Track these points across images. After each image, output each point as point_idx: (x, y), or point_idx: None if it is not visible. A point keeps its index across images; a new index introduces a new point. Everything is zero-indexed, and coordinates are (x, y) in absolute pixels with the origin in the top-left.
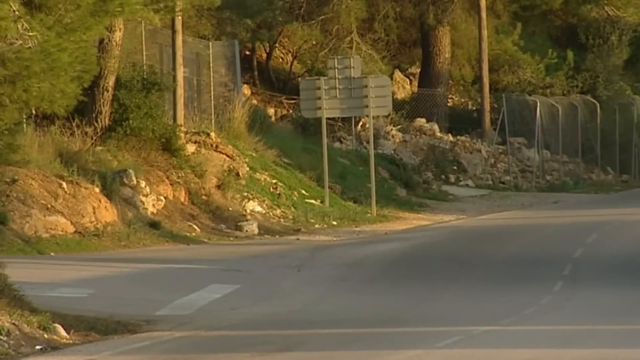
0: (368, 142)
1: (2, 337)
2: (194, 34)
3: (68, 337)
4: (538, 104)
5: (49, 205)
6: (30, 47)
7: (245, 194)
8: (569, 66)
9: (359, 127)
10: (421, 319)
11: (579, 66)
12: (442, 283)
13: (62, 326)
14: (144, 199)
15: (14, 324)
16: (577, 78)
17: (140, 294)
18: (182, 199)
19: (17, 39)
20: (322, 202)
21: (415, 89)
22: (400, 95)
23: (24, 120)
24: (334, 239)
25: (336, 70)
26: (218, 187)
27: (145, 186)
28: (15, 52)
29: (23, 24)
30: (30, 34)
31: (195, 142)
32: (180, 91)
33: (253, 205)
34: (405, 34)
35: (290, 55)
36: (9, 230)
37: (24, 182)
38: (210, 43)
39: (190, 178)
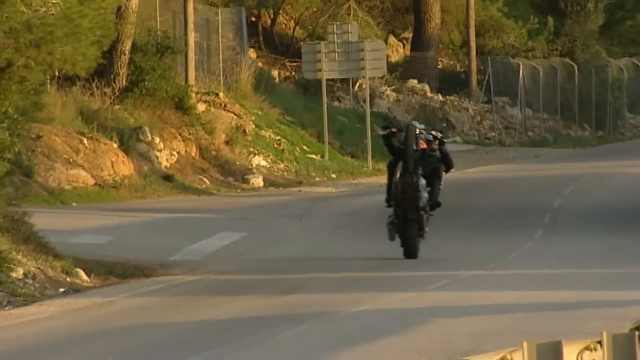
0: (364, 101)
1: (28, 281)
2: (204, 2)
3: (89, 280)
4: (521, 66)
5: (71, 160)
6: (53, 14)
7: (252, 149)
8: (549, 31)
9: (356, 87)
10: (412, 264)
11: (558, 31)
12: (431, 231)
13: (83, 270)
14: (158, 153)
15: (39, 268)
16: (556, 42)
17: (155, 240)
18: (193, 154)
19: (41, 6)
20: (322, 156)
21: (408, 52)
22: (394, 58)
23: (48, 81)
24: (333, 190)
25: (335, 35)
26: (226, 143)
27: (160, 142)
28: (40, 18)
29: None
30: (54, 1)
31: (205, 101)
32: (191, 54)
33: (258, 160)
34: (398, 1)
35: (292, 21)
36: (35, 182)
37: (48, 138)
38: (219, 10)
39: (201, 135)
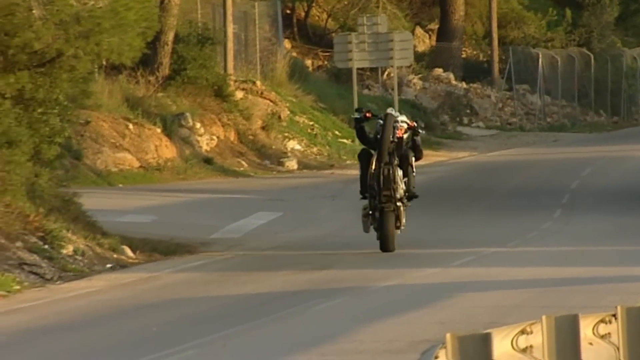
0: (393, 89)
1: (78, 257)
2: None
3: (134, 257)
4: (540, 56)
5: (118, 144)
6: (101, 7)
7: (286, 134)
8: (567, 22)
9: (385, 76)
10: (438, 242)
11: (576, 23)
12: (456, 211)
13: (129, 248)
14: (199, 138)
15: (87, 245)
16: (574, 33)
17: (196, 219)
18: (232, 139)
19: (90, 0)
20: (352, 141)
21: (434, 42)
22: (421, 48)
23: (96, 70)
24: None
25: (365, 26)
26: (263, 128)
27: (200, 127)
28: (89, 11)
29: None
30: None
31: (243, 89)
32: (230, 45)
33: (293, 144)
34: None
35: (325, 13)
36: (84, 165)
37: (96, 123)
38: (256, 3)
39: (239, 120)
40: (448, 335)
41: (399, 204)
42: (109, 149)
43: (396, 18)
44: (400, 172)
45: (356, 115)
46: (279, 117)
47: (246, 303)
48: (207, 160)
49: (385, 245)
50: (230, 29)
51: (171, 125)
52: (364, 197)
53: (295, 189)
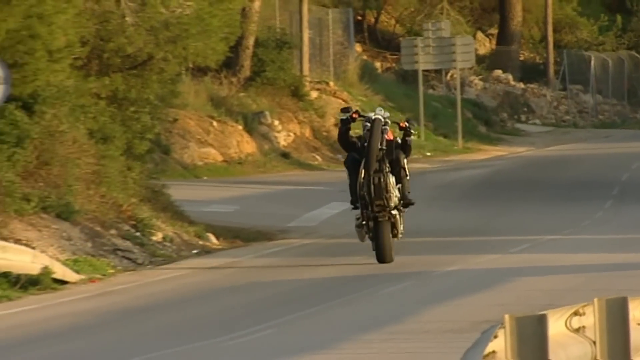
0: (455, 89)
1: (166, 243)
2: (317, 3)
3: (218, 243)
4: (592, 58)
5: (203, 139)
6: (188, 14)
7: (357, 130)
8: (618, 27)
9: (448, 77)
10: (497, 230)
11: (625, 27)
12: (514, 201)
13: (213, 235)
14: (277, 134)
15: (175, 233)
16: (624, 37)
17: (275, 209)
18: (307, 135)
19: (177, 8)
20: (418, 137)
21: (494, 46)
22: (482, 51)
23: (183, 72)
24: (429, 166)
25: (430, 31)
26: (335, 125)
27: (278, 124)
28: (177, 18)
29: None
30: (188, 3)
31: (318, 89)
32: (305, 49)
33: None
34: (485, 2)
35: (393, 19)
36: (172, 159)
37: (183, 121)
38: (330, 10)
39: (314, 118)
40: (506, 316)
41: (394, 212)
42: (194, 144)
43: (459, 23)
44: (392, 179)
45: (342, 115)
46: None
47: (320, 286)
48: (285, 155)
49: (382, 255)
50: (306, 34)
51: (252, 123)
52: (356, 207)
53: None
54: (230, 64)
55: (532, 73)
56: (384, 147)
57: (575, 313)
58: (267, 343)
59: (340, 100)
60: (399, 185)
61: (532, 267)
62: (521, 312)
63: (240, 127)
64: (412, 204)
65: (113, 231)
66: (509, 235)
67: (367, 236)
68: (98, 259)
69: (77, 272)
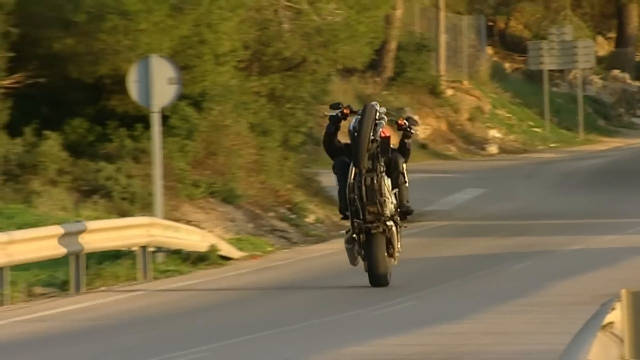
0: (577, 87)
1: (318, 224)
2: (452, 10)
3: None
4: None
5: None
6: (338, 21)
7: (488, 124)
8: None
9: (571, 76)
10: (614, 214)
11: None
12: (631, 188)
13: None
14: (416, 128)
15: (326, 215)
16: None
17: (414, 194)
18: (443, 128)
19: (329, 16)
20: (543, 130)
21: (612, 48)
22: (601, 53)
23: (333, 72)
24: (553, 156)
25: (554, 35)
26: (468, 119)
27: (417, 119)
28: (328, 25)
29: (334, 5)
30: (338, 11)
31: (453, 87)
32: (442, 51)
33: (494, 133)
34: (605, 9)
35: (521, 25)
36: (323, 150)
37: None
38: (464, 17)
39: (449, 113)
40: (623, 291)
41: (389, 223)
42: (343, 137)
43: (580, 28)
44: (388, 181)
45: (331, 112)
46: (482, 110)
47: (456, 263)
48: (423, 146)
49: (375, 277)
50: (443, 38)
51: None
52: (345, 217)
53: (496, 170)
54: (374, 65)
55: None
56: (377, 139)
57: None
58: (407, 314)
59: (473, 97)
60: (396, 191)
61: None
62: (638, 287)
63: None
64: (412, 212)
65: (271, 214)
66: (627, 218)
67: (359, 257)
68: (258, 238)
69: (240, 249)
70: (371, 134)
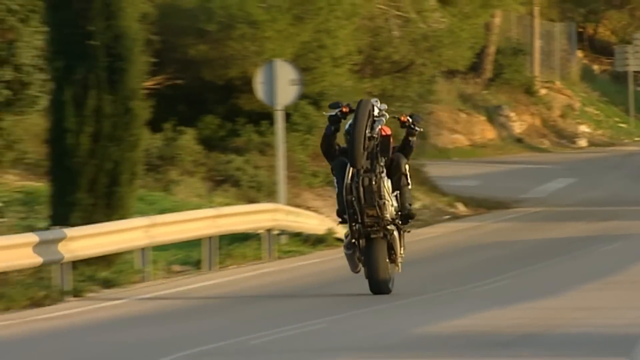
0: None
1: (424, 210)
2: (546, 18)
3: (465, 210)
4: None
5: (453, 128)
6: (442, 28)
7: (578, 120)
8: None
9: None
10: None
11: None
12: None
13: (462, 203)
14: (513, 124)
15: (431, 202)
16: None
17: (511, 183)
18: (537, 124)
19: (434, 23)
20: (629, 125)
21: None
22: None
23: (438, 74)
24: (637, 149)
25: (639, 40)
26: (560, 116)
27: (514, 115)
28: (433, 32)
29: (438, 13)
30: (443, 19)
31: (546, 87)
32: (536, 55)
33: (583, 128)
34: None
35: (609, 31)
36: (428, 144)
37: (437, 113)
38: (556, 24)
39: (542, 110)
40: None
41: (390, 227)
42: (447, 132)
43: None
44: (388, 183)
45: (330, 112)
46: (573, 108)
47: (548, 245)
48: (519, 140)
49: (375, 283)
50: (537, 43)
51: (492, 114)
52: (343, 221)
53: (586, 161)
54: (475, 68)
55: None
56: (375, 137)
57: None
58: (503, 291)
59: (564, 96)
60: (397, 193)
61: None
62: None
63: (483, 118)
64: (414, 216)
65: None
66: None
67: (360, 264)
68: None
69: None
70: (368, 130)
